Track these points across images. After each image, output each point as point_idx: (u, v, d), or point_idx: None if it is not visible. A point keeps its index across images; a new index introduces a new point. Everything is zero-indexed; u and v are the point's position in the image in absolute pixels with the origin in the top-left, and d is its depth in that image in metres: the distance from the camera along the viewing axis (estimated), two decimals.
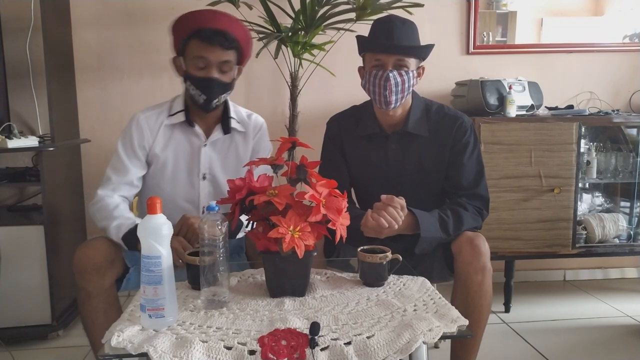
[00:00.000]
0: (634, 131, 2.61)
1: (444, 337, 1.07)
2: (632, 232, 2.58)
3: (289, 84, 2.45)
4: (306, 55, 2.42)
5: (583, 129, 2.41)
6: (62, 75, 2.46)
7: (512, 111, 2.38)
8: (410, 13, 2.12)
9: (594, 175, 2.54)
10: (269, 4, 2.28)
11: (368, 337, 1.04)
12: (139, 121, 1.70)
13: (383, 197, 1.47)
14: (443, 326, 1.08)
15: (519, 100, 2.42)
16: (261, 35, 2.27)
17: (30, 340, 2.21)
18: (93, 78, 2.63)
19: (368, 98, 1.73)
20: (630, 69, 2.86)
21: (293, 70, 2.43)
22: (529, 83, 2.50)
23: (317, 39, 2.37)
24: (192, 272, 1.33)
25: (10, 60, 2.44)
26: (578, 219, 2.47)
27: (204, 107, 1.66)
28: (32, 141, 2.21)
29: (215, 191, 1.75)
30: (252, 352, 1.00)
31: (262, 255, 1.25)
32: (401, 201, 1.47)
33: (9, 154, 2.48)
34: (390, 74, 1.58)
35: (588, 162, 2.53)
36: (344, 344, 1.02)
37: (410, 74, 1.60)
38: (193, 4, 2.28)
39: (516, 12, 2.82)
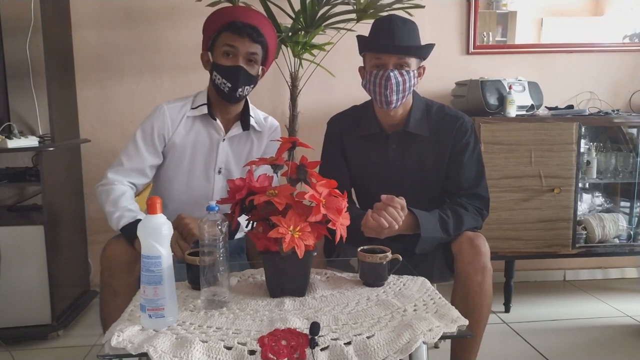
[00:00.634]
0: (634, 131, 2.61)
1: (444, 337, 1.07)
2: (632, 232, 2.58)
3: (289, 84, 2.45)
4: (306, 55, 2.42)
5: (583, 129, 2.41)
6: (62, 75, 2.46)
7: (512, 111, 2.38)
8: (410, 14, 2.12)
9: (594, 175, 2.54)
10: (269, 4, 2.27)
11: (368, 337, 1.03)
12: (163, 110, 1.71)
13: (383, 197, 1.47)
14: (443, 326, 1.08)
15: (519, 100, 2.42)
16: None
17: (30, 340, 2.21)
18: (93, 78, 2.63)
19: (368, 98, 1.73)
20: (630, 69, 2.86)
21: (293, 70, 2.43)
22: (529, 83, 2.50)
23: (317, 39, 2.37)
24: (192, 272, 1.32)
25: (10, 60, 2.44)
26: (578, 219, 2.47)
27: (228, 96, 1.67)
28: (32, 141, 2.21)
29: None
30: (252, 352, 1.00)
31: (262, 255, 1.25)
32: (401, 201, 1.47)
33: (9, 154, 2.48)
34: (391, 74, 1.58)
35: (588, 162, 2.53)
36: (344, 344, 1.02)
37: (411, 74, 1.60)
38: (193, 4, 2.30)
39: (516, 12, 2.82)
